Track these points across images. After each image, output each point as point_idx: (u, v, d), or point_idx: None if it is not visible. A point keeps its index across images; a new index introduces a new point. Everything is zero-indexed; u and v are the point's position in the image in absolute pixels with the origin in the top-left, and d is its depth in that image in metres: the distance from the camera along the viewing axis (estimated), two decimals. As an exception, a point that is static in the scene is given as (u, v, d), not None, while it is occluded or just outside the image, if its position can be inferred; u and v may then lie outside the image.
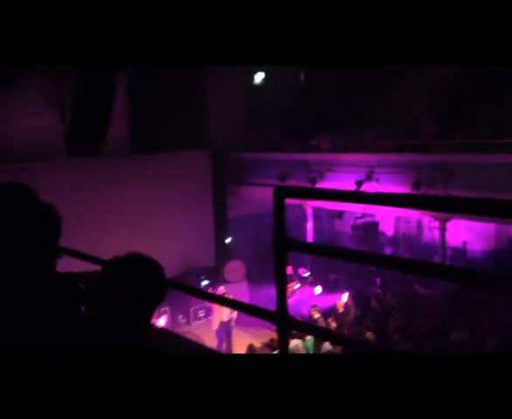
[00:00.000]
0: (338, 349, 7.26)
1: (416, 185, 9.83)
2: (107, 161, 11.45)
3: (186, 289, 2.05)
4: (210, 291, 10.52)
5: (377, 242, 14.15)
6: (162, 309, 10.98)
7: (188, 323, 12.47)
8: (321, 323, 9.23)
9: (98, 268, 1.87)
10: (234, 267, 12.94)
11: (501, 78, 9.67)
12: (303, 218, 13.19)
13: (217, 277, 12.57)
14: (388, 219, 14.46)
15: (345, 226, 14.73)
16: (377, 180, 10.62)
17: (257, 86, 15.54)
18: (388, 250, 14.26)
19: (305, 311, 10.08)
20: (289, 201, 1.62)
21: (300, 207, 12.80)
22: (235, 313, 10.33)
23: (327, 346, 8.16)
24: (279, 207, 1.54)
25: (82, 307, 2.09)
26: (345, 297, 10.55)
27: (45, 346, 1.59)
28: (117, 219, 11.25)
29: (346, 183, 10.87)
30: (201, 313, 12.62)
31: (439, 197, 1.43)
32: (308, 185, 11.50)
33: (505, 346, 7.69)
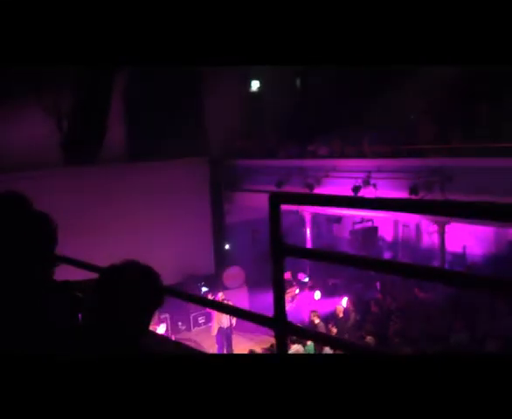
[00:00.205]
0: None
1: (413, 190, 9.84)
2: (103, 169, 11.45)
3: (184, 296, 2.04)
4: (209, 297, 10.50)
5: (375, 247, 14.14)
6: (162, 316, 10.95)
7: (188, 330, 12.44)
8: (322, 328, 9.22)
9: (95, 276, 1.86)
10: (233, 273, 12.93)
11: (501, 78, 9.68)
12: (301, 224, 13.18)
13: (216, 283, 12.56)
14: (387, 224, 14.46)
15: (344, 231, 14.73)
16: (375, 185, 10.62)
17: (254, 93, 15.59)
18: (387, 255, 14.25)
19: (305, 316, 10.06)
20: (287, 207, 1.62)
21: (298, 213, 12.81)
22: (234, 319, 10.31)
23: (327, 351, 8.14)
24: (274, 213, 1.54)
25: (79, 315, 2.08)
26: (345, 301, 10.53)
27: (41, 353, 1.59)
28: (114, 227, 11.24)
29: (343, 189, 10.87)
30: (201, 320, 12.59)
31: (436, 201, 1.43)
32: (305, 191, 11.50)
33: (505, 349, 7.68)
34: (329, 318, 10.00)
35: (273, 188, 11.54)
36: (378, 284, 11.67)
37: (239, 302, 10.13)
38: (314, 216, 13.42)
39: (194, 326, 12.57)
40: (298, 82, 15.59)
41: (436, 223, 10.86)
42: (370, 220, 14.03)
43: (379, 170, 10.78)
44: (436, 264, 10.98)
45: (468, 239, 12.54)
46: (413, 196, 9.77)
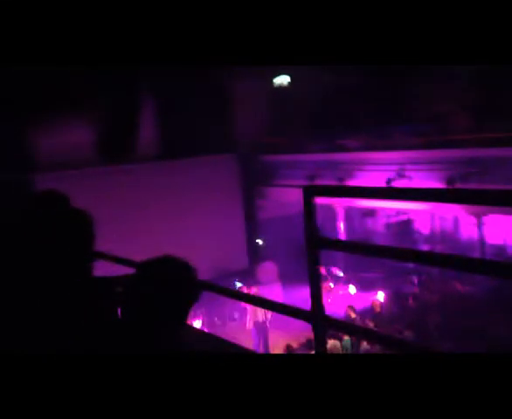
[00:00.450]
0: (377, 349, 7.16)
1: (450, 181, 9.61)
2: (136, 167, 11.67)
3: (220, 290, 2.06)
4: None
5: (412, 240, 13.90)
6: (198, 311, 11.07)
7: (223, 325, 12.52)
8: (358, 323, 9.12)
9: (132, 271, 1.89)
10: (267, 268, 12.95)
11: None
12: (334, 218, 13.07)
13: (250, 278, 12.60)
14: (423, 217, 14.18)
15: (378, 225, 14.53)
16: (410, 178, 10.42)
17: (282, 88, 15.52)
18: (424, 249, 13.98)
19: (340, 311, 9.98)
20: (319, 201, 1.61)
21: (330, 207, 12.70)
22: (270, 314, 10.32)
23: (365, 345, 8.06)
24: (309, 206, 1.53)
25: (118, 310, 2.12)
26: (381, 296, 10.40)
27: (82, 350, 1.62)
28: (149, 224, 11.43)
29: (375, 182, 10.72)
30: (236, 315, 12.65)
31: (475, 190, 1.39)
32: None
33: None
34: (365, 312, 9.89)
35: (304, 183, 11.48)
36: (415, 278, 11.47)
37: (273, 297, 10.11)
38: (348, 211, 13.28)
39: (229, 321, 12.64)
40: (328, 75, 15.41)
41: (473, 214, 10.58)
42: (405, 213, 13.79)
43: (413, 162, 10.57)
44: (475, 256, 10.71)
45: (509, 231, 12.16)
46: (450, 188, 9.55)
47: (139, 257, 2.35)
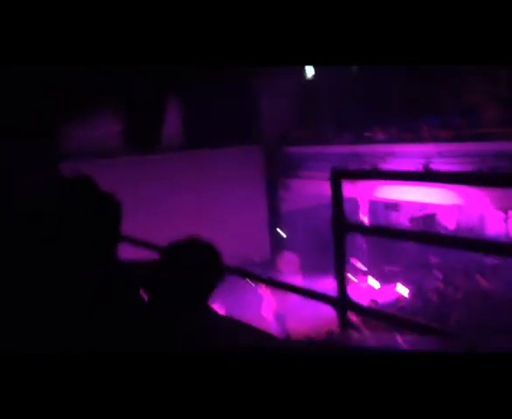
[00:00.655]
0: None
1: (478, 174, 9.40)
2: (162, 156, 11.78)
3: (245, 274, 2.05)
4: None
5: (436, 234, 13.67)
6: (217, 296, 11.09)
7: (241, 311, 12.52)
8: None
9: (156, 256, 1.90)
10: (288, 259, 12.96)
11: None
12: (357, 212, 12.96)
13: (271, 269, 12.62)
14: (448, 211, 13.94)
15: (402, 218, 14.35)
16: (438, 171, 10.25)
17: (308, 79, 15.39)
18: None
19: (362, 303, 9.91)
20: (344, 193, 1.58)
21: (355, 200, 12.59)
22: (286, 304, 10.26)
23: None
24: (336, 190, 1.51)
25: (144, 294, 2.14)
26: (403, 289, 10.30)
27: (109, 334, 1.62)
28: (171, 214, 11.53)
29: (402, 174, 10.56)
30: (253, 302, 12.61)
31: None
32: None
33: None
34: (388, 306, 9.82)
35: (328, 175, 11.38)
36: (439, 272, 11.31)
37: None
38: (372, 204, 13.16)
39: (247, 308, 12.64)
40: (355, 66, 15.21)
41: (501, 209, 10.36)
42: (428, 207, 13.58)
43: (441, 155, 10.39)
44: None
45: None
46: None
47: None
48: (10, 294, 1.83)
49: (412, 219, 13.68)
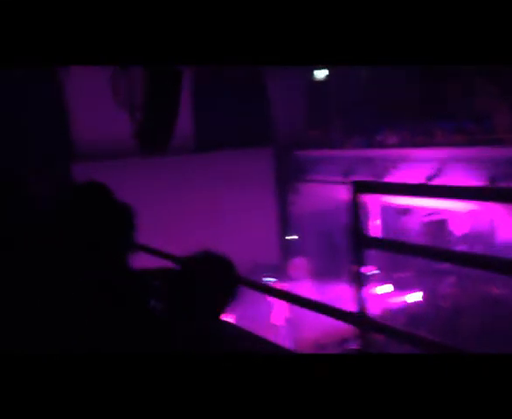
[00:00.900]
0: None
1: (492, 181, 9.30)
2: (174, 158, 11.77)
3: (260, 288, 2.01)
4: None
5: (447, 240, 13.55)
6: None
7: (253, 320, 12.49)
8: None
9: (168, 264, 1.87)
10: (298, 264, 12.88)
11: None
12: (367, 215, 12.86)
13: (281, 274, 12.55)
14: (459, 216, 13.80)
15: (412, 223, 14.22)
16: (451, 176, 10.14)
17: (320, 83, 15.32)
18: (460, 249, 13.60)
19: (375, 310, 9.83)
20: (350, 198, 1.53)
21: (364, 204, 12.49)
22: (298, 310, 10.24)
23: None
24: (356, 203, 1.46)
25: (155, 303, 2.11)
26: (415, 296, 10.21)
27: (117, 341, 1.60)
28: (183, 216, 11.53)
29: (413, 179, 10.47)
30: (263, 310, 12.59)
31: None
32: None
33: None
34: (399, 311, 9.74)
35: (339, 179, 11.34)
36: (452, 278, 11.19)
37: (304, 293, 10.04)
38: (383, 208, 13.06)
39: (258, 318, 12.61)
40: (366, 70, 15.14)
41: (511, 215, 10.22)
42: (439, 213, 13.45)
43: (454, 160, 10.28)
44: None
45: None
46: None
47: (172, 248, 2.33)
48: (21, 298, 1.83)
49: (423, 224, 13.56)
